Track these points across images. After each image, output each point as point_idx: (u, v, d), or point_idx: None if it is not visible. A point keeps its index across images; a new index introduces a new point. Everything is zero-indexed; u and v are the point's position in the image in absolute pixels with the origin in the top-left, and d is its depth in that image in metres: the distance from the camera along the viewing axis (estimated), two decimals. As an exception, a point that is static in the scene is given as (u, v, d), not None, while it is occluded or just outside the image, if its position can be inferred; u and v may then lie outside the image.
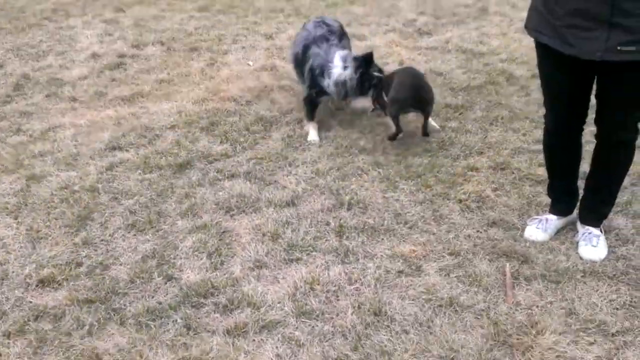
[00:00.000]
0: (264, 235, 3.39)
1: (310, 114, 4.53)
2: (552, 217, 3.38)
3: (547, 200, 3.53)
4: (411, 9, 7.09)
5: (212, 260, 3.19)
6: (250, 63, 5.78)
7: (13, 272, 3.13)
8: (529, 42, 6.39)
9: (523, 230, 3.37)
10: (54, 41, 6.37)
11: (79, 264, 3.17)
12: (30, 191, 3.84)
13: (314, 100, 4.52)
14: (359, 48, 6.01)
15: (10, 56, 6.02)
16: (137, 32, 6.55)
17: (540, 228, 3.34)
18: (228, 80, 5.45)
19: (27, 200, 3.74)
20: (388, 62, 5.73)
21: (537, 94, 4.93)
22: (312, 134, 4.46)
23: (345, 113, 4.80)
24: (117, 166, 4.13)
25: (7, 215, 3.60)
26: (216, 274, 3.10)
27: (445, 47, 6.04)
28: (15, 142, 4.46)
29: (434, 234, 3.38)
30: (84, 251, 3.28)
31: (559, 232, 3.36)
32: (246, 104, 5.02)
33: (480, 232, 3.38)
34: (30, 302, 2.94)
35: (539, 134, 4.31)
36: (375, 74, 4.33)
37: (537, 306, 2.82)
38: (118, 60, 5.83)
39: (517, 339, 2.63)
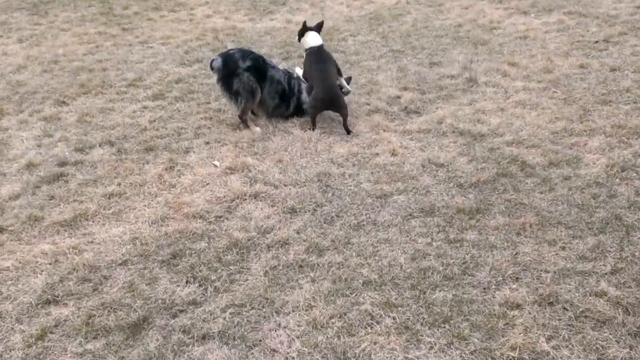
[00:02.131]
0: None
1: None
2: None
3: (622, 353, 2.68)
4: (392, 83, 6.35)
5: None
6: (217, 163, 4.90)
7: None
8: (532, 118, 5.63)
9: (604, 406, 2.50)
10: (-18, 148, 5.40)
11: None
12: None
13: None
14: (341, 144, 5.20)
15: None
16: (81, 130, 5.63)
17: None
18: (192, 188, 4.55)
19: None
20: (378, 153, 4.92)
21: (563, 189, 4.16)
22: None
23: (336, 227, 3.93)
24: (51, 332, 3.15)
25: None
26: None
27: (439, 129, 5.27)
28: None
29: (486, 422, 2.48)
30: None
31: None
32: (215, 220, 4.11)
33: (550, 417, 2.49)
34: None
35: (582, 246, 3.51)
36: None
37: None
38: (58, 170, 4.88)
39: None
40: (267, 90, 5.52)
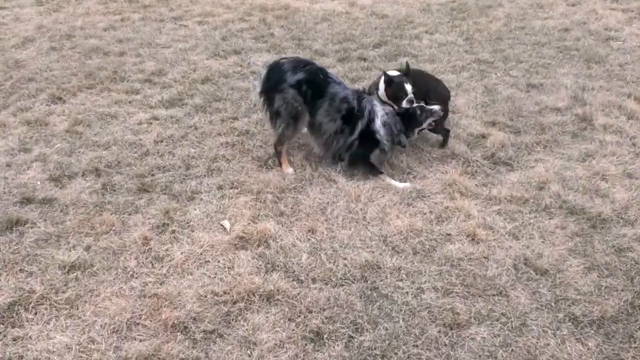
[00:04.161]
0: None
1: None
2: None
3: None
4: (476, 113, 4.81)
5: None
6: (227, 225, 3.56)
7: None
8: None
9: None
10: (-60, 161, 4.22)
11: None
12: None
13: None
14: (400, 210, 3.74)
15: None
16: (67, 146, 4.36)
17: None
18: (183, 268, 3.24)
19: None
20: (450, 235, 3.48)
21: None
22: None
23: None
24: None
25: None
26: None
27: (539, 200, 3.77)
28: None
29: None
30: None
31: None
32: (203, 339, 2.80)
33: None
34: None
35: None
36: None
37: None
38: (17, 212, 3.64)
39: None
40: (326, 109, 4.03)
